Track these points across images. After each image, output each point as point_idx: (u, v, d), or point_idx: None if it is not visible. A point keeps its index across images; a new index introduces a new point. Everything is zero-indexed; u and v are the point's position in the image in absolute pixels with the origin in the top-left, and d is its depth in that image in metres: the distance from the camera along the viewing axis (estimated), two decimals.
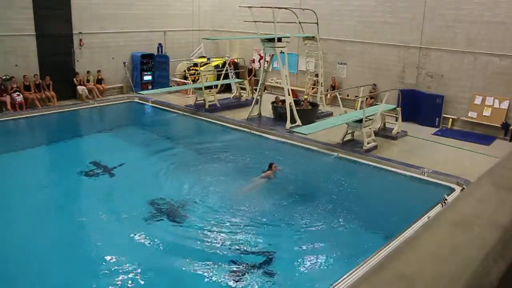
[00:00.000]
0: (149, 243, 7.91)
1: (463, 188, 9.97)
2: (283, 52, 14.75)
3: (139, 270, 7.10)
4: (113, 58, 19.04)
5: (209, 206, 9.44)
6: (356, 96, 16.18)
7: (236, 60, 20.59)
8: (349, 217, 9.11)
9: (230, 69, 19.46)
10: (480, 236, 0.91)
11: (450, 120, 15.34)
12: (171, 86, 19.65)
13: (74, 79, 17.66)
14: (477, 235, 0.92)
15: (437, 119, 15.38)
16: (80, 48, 17.98)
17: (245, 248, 7.87)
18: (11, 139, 14.11)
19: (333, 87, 17.67)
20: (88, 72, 18.04)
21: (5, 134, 14.48)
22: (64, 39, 17.46)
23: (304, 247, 7.95)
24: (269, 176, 10.91)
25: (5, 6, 15.70)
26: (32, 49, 16.63)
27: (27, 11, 16.23)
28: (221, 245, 7.94)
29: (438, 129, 15.18)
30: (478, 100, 14.63)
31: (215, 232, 8.35)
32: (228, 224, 8.66)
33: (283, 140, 13.77)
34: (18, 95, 15.80)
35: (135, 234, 8.14)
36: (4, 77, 15.79)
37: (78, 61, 17.99)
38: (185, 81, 20.01)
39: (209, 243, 7.95)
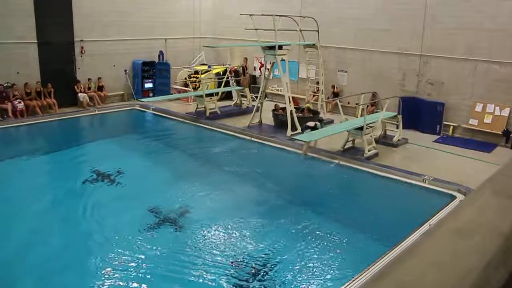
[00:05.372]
0: (149, 251, 7.88)
1: (465, 195, 9.95)
2: (284, 60, 14.79)
3: (139, 278, 7.08)
4: (114, 65, 19.10)
5: (210, 213, 9.42)
6: (356, 104, 16.19)
7: (236, 68, 20.65)
8: (350, 225, 9.09)
9: (231, 77, 19.50)
10: (481, 244, 0.91)
11: (451, 127, 15.33)
12: (172, 94, 19.68)
13: (75, 86, 17.71)
14: (478, 243, 0.91)
15: (438, 126, 15.38)
16: (81, 56, 18.04)
17: (245, 255, 7.85)
18: (12, 146, 14.11)
19: (335, 94, 17.69)
20: (89, 79, 18.10)
21: (6, 142, 14.51)
22: (66, 46, 17.53)
23: (304, 255, 7.92)
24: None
25: (7, 14, 15.78)
26: (34, 57, 16.69)
27: (29, 19, 16.31)
28: (221, 253, 7.92)
29: (439, 136, 15.17)
30: (479, 107, 14.63)
31: (215, 240, 8.34)
32: (228, 231, 8.64)
33: (284, 147, 13.76)
34: (20, 102, 15.84)
35: (135, 242, 8.12)
36: (6, 85, 15.84)
37: (79, 68, 18.05)
38: (186, 88, 20.05)
39: (209, 251, 7.94)
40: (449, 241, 0.93)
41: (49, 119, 16.29)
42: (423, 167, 11.76)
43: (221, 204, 9.96)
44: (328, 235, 8.58)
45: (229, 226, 8.83)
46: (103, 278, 7.07)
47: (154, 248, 7.99)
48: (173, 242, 8.27)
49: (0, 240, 8.19)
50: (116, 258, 7.59)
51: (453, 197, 10.13)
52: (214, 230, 8.67)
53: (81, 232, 8.63)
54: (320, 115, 16.18)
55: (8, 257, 7.64)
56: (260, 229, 8.77)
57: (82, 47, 17.95)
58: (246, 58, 20.96)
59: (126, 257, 7.62)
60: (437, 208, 9.35)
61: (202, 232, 8.60)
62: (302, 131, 13.59)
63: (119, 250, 7.83)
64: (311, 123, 13.67)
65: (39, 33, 16.66)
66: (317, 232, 8.67)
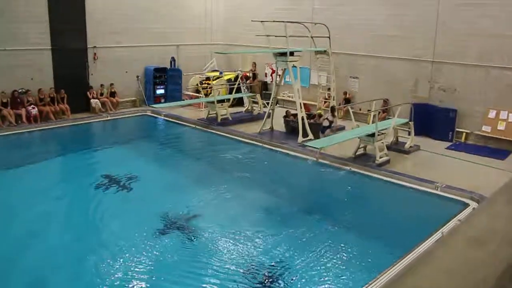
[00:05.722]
0: (156, 258, 7.87)
1: (478, 203, 9.84)
2: (295, 66, 14.79)
3: (144, 284, 7.08)
4: (126, 71, 19.26)
5: (220, 220, 9.41)
6: (368, 110, 16.12)
7: (248, 74, 20.71)
8: (362, 232, 9.03)
9: (242, 83, 19.56)
10: (495, 253, 0.90)
11: (464, 134, 15.18)
12: (183, 100, 19.79)
13: (88, 92, 17.88)
14: (492, 252, 0.90)
15: (450, 133, 15.23)
16: (94, 62, 18.23)
17: (255, 262, 7.83)
18: (25, 151, 14.27)
19: (346, 100, 17.63)
20: (101, 85, 18.27)
21: (19, 146, 14.69)
22: (79, 53, 17.73)
23: (315, 262, 7.87)
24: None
25: (21, 21, 16.02)
26: (47, 63, 16.91)
27: (43, 25, 16.54)
28: (231, 260, 7.90)
29: (451, 143, 15.01)
30: (492, 114, 14.48)
31: (225, 247, 8.32)
32: (238, 239, 8.61)
33: (295, 154, 13.73)
34: (34, 108, 16.04)
35: (142, 248, 8.13)
36: (20, 90, 16.05)
37: (92, 74, 18.23)
38: (197, 94, 20.14)
39: (219, 258, 7.91)
40: (462, 250, 0.92)
41: (62, 125, 16.46)
42: (436, 174, 11.64)
43: (232, 210, 9.95)
44: (339, 242, 8.52)
45: (239, 233, 8.79)
46: (108, 283, 7.08)
47: (162, 254, 7.99)
48: (181, 248, 8.25)
49: (1, 240, 8.30)
50: (121, 264, 7.58)
51: (466, 205, 10.01)
52: (224, 237, 8.64)
53: (86, 236, 8.66)
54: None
55: (8, 256, 7.72)
56: (271, 237, 8.74)
57: (95, 54, 18.13)
58: (254, 63, 21.04)
59: (131, 264, 7.60)
60: (450, 216, 9.25)
61: (211, 239, 8.59)
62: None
63: (125, 256, 7.81)
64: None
65: (53, 40, 16.88)
66: (327, 240, 8.61)
